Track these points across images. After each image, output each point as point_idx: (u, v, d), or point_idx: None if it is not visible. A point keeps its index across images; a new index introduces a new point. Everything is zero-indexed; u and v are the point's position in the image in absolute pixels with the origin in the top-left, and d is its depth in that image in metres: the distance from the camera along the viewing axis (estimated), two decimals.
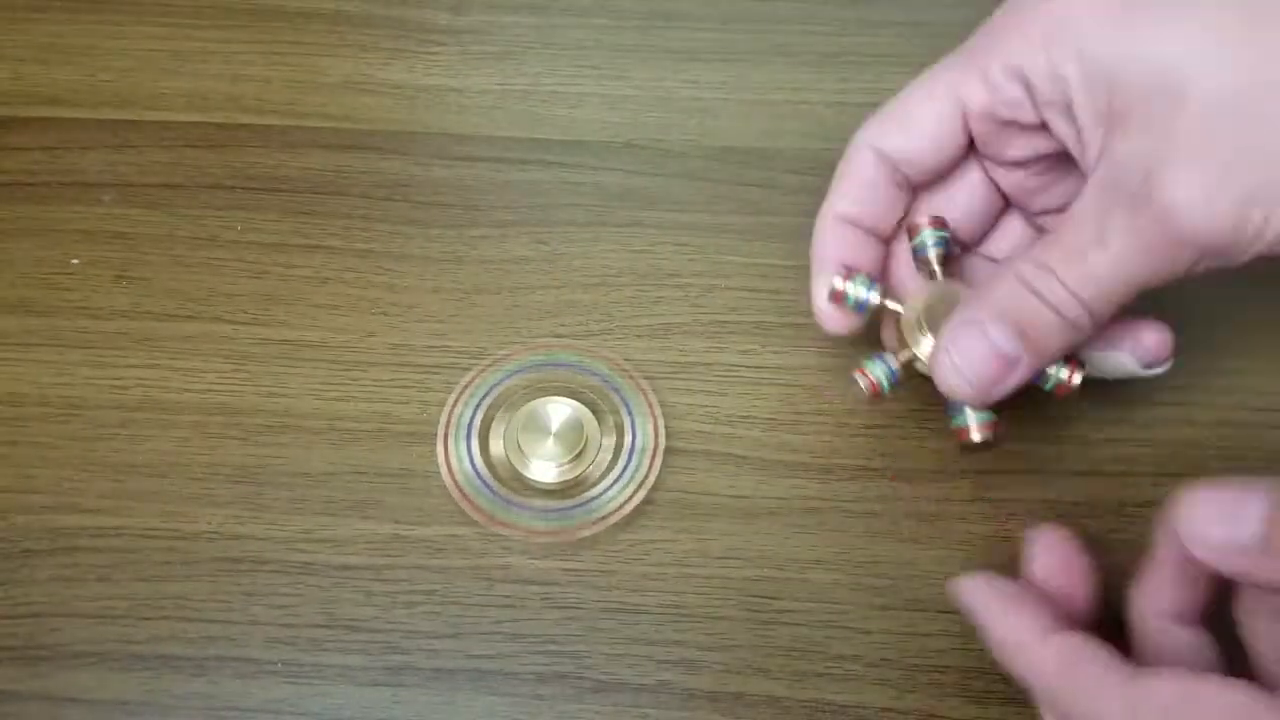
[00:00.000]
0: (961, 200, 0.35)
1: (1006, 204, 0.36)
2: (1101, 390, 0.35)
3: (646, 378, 0.37)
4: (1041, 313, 0.29)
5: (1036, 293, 0.29)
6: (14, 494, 0.36)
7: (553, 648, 0.34)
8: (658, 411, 0.37)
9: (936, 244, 0.34)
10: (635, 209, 0.43)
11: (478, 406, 0.37)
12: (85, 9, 0.49)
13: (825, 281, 0.34)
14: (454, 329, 0.40)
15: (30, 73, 0.46)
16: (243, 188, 0.43)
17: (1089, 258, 0.29)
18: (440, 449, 0.36)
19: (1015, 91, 0.31)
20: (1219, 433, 0.37)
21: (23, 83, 0.46)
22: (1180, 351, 0.33)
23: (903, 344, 0.33)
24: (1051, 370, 0.31)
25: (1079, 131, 0.30)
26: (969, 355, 0.30)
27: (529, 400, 0.37)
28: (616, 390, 0.37)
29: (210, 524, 0.35)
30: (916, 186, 0.35)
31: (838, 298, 0.34)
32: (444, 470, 0.35)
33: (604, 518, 0.34)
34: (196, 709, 0.32)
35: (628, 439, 0.36)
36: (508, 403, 0.37)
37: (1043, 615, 0.28)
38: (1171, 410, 0.38)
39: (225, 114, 0.45)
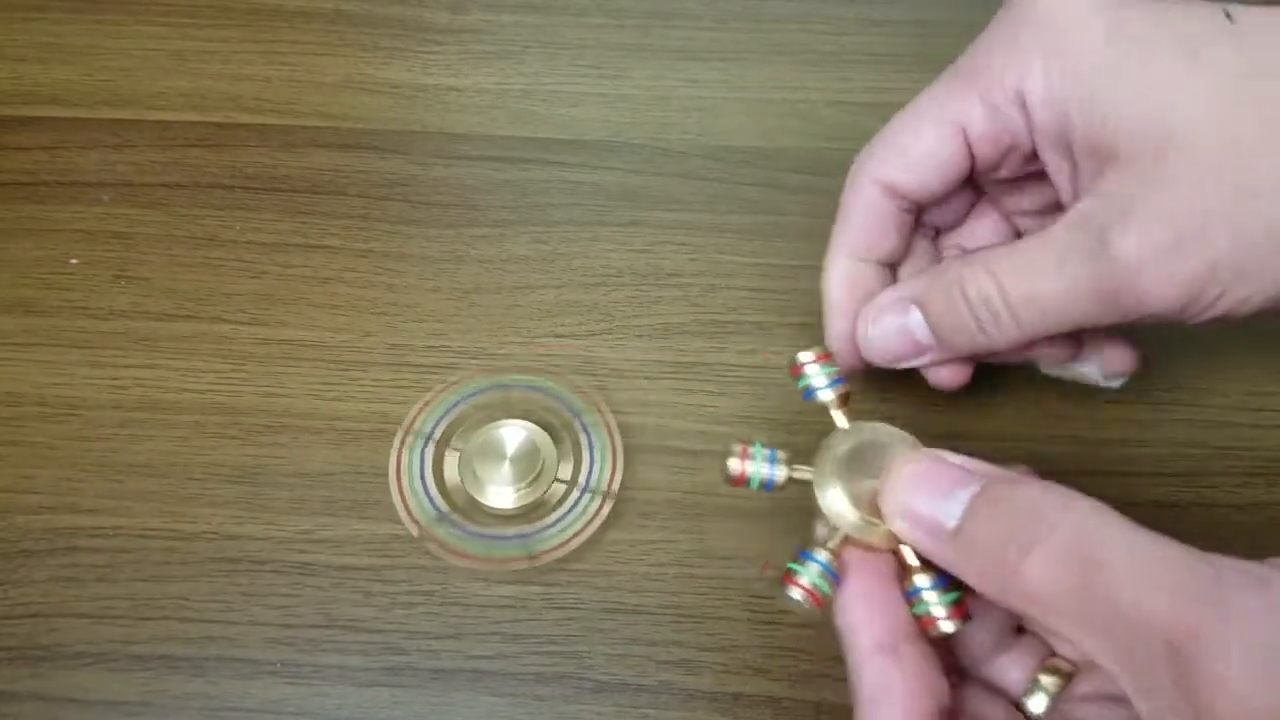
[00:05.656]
0: (952, 207, 0.35)
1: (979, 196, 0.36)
2: (1101, 390, 0.35)
3: (598, 389, 0.37)
4: (960, 314, 0.30)
5: (965, 296, 0.30)
6: (13, 494, 0.36)
7: (553, 648, 0.33)
8: (613, 423, 0.36)
9: (831, 383, 0.28)
10: (635, 209, 0.43)
11: (428, 439, 0.36)
12: (85, 9, 0.48)
13: (841, 324, 0.33)
14: (453, 329, 0.40)
15: (30, 73, 0.46)
16: (242, 187, 0.43)
17: (1041, 282, 0.29)
18: (394, 487, 0.35)
19: (1017, 117, 0.30)
20: (1219, 433, 0.37)
21: (23, 83, 0.46)
22: (1161, 356, 0.33)
23: (831, 527, 0.26)
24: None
25: (1072, 162, 0.30)
26: (886, 330, 0.32)
27: (482, 426, 0.36)
28: (567, 406, 0.36)
29: (209, 524, 0.35)
30: (921, 209, 0.34)
31: (739, 480, 0.28)
32: (401, 512, 0.34)
33: (564, 543, 0.34)
34: (196, 709, 0.32)
35: (585, 454, 0.35)
36: (460, 429, 0.36)
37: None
38: (1171, 410, 0.38)
39: (225, 114, 0.45)
